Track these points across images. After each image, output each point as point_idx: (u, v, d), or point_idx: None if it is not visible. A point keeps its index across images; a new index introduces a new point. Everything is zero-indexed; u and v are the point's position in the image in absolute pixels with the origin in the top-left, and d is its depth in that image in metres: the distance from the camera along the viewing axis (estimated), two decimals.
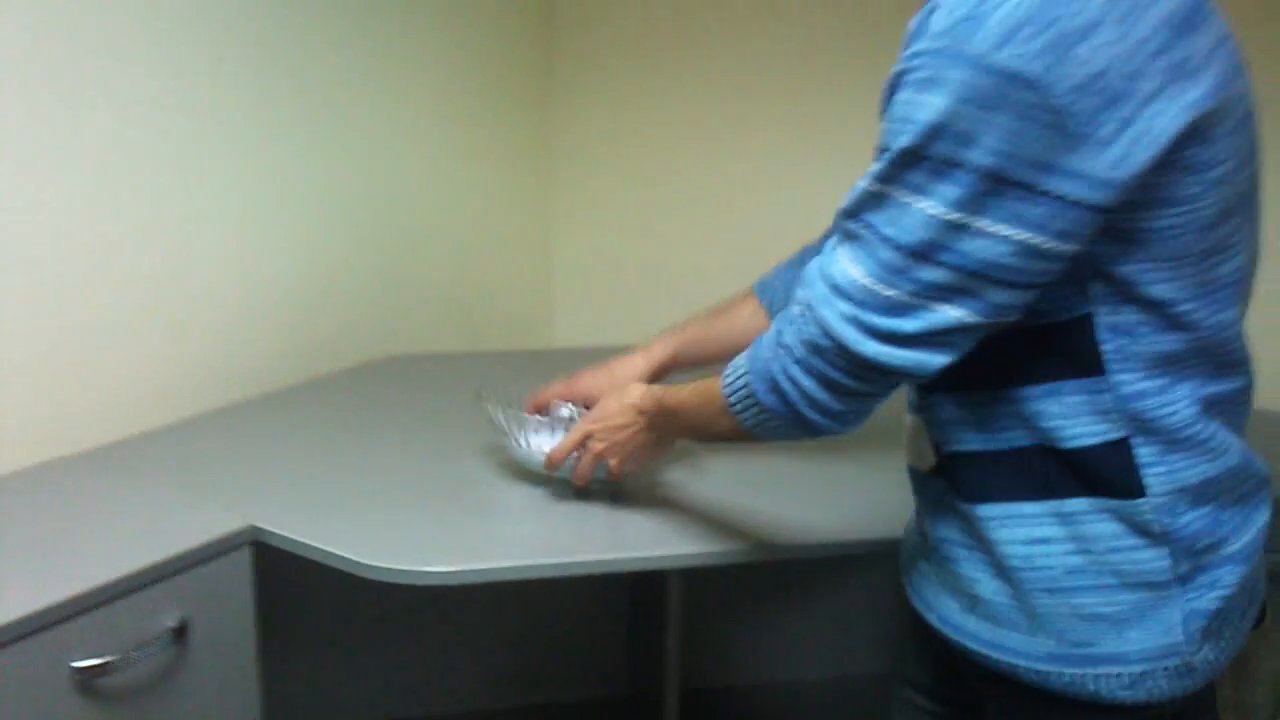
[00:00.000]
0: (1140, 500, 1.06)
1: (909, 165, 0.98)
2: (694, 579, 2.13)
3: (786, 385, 1.10)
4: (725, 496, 1.62)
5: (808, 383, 1.08)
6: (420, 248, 2.39)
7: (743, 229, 2.48)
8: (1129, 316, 1.03)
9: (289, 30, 2.02)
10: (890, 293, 1.01)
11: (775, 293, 1.52)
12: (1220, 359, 1.08)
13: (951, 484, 1.16)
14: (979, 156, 0.95)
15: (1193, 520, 1.07)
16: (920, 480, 1.22)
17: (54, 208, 1.71)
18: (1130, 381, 1.05)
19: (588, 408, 1.61)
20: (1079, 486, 1.07)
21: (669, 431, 1.40)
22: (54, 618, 1.29)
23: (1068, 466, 1.07)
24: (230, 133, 1.95)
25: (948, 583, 1.19)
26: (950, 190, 0.97)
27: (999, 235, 0.97)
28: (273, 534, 1.48)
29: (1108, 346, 1.04)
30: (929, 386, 1.14)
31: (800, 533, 1.51)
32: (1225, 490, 1.09)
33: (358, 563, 1.41)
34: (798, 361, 1.08)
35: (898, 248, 1.00)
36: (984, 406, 1.10)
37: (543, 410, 1.65)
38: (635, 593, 2.23)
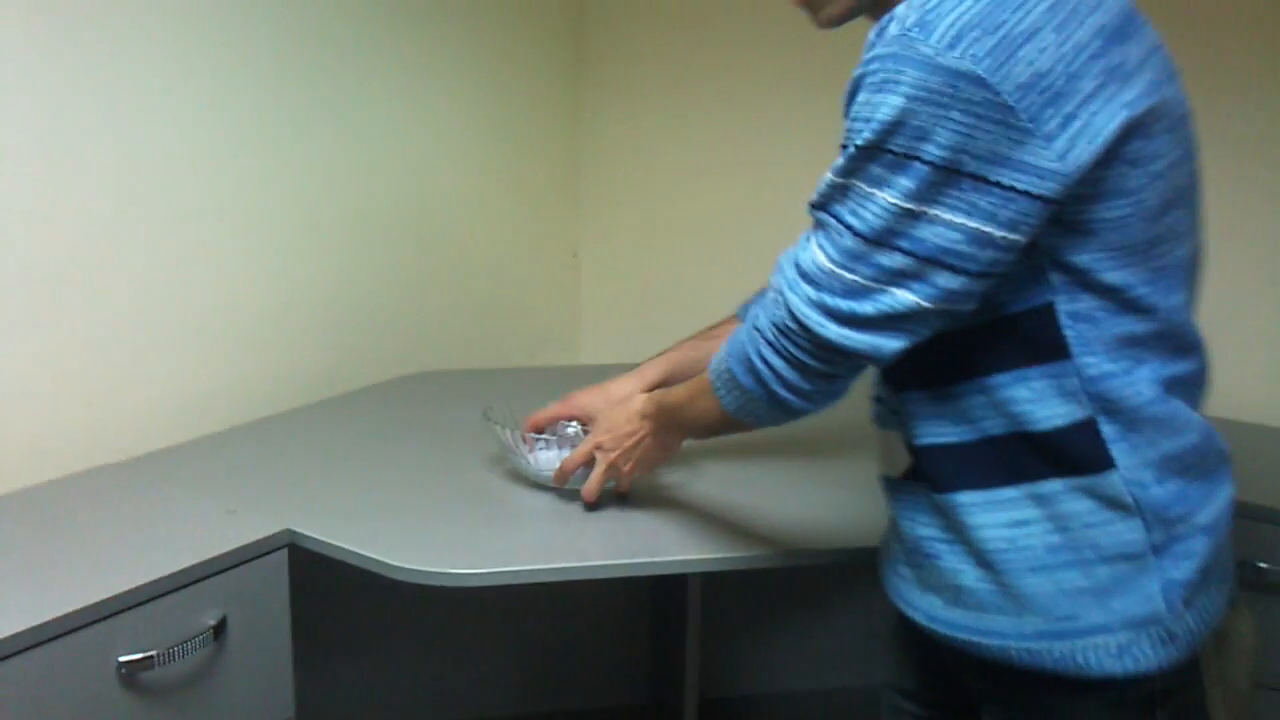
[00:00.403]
0: (1111, 473, 1.12)
1: (869, 159, 1.06)
2: (714, 586, 2.18)
3: (760, 366, 1.18)
4: (747, 501, 1.67)
5: (778, 363, 1.17)
6: (450, 266, 2.45)
7: (768, 248, 2.51)
8: (1088, 303, 1.10)
9: (319, 48, 2.10)
10: (850, 277, 1.09)
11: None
12: (1177, 342, 1.15)
13: (928, 480, 1.20)
14: (933, 150, 1.03)
15: (1162, 492, 1.13)
16: (895, 487, 1.27)
17: (99, 220, 1.78)
18: (1094, 364, 1.11)
19: (584, 425, 1.67)
20: (1052, 468, 1.13)
21: (672, 430, 1.49)
22: (101, 613, 1.35)
23: (1039, 449, 1.13)
24: (265, 151, 2.02)
25: (929, 580, 1.23)
26: (907, 182, 1.04)
27: (952, 223, 1.04)
28: (308, 537, 1.54)
29: (1070, 332, 1.11)
30: (903, 383, 1.20)
31: (821, 537, 1.56)
32: (1189, 465, 1.15)
33: (389, 564, 1.47)
34: (769, 343, 1.17)
35: (858, 234, 1.08)
36: (957, 398, 1.16)
37: (541, 429, 1.70)
38: (656, 599, 2.28)
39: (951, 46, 1.01)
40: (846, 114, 1.09)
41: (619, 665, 2.36)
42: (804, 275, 1.13)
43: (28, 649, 1.29)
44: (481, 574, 1.46)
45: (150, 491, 1.68)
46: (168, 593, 1.42)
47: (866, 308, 1.09)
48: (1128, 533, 1.13)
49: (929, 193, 1.04)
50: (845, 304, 1.10)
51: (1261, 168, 2.02)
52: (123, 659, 1.37)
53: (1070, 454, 1.12)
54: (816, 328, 1.11)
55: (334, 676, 2.12)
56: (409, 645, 2.19)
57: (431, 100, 2.35)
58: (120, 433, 1.82)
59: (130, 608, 1.38)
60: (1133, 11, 1.11)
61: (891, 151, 1.05)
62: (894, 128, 1.04)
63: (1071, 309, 1.11)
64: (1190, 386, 1.18)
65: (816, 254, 1.11)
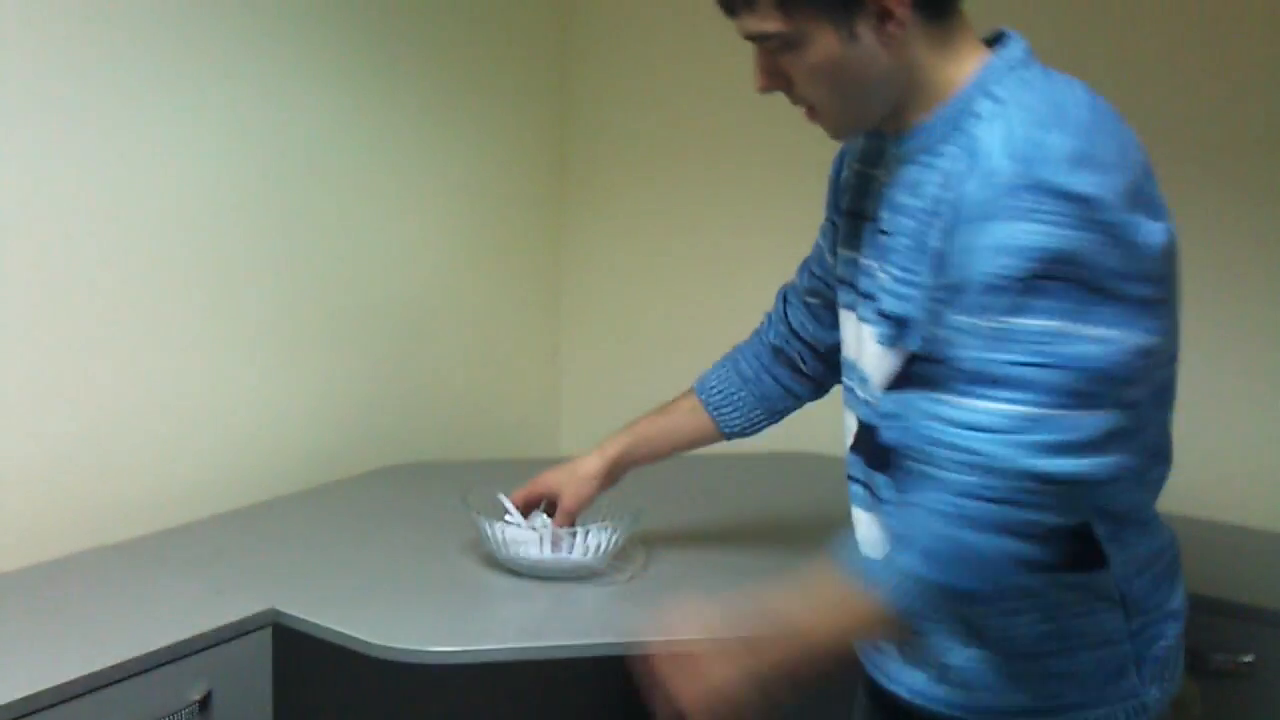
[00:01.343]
0: (1103, 570, 1.23)
1: (1024, 290, 1.08)
2: None
3: (1002, 544, 1.12)
4: (718, 582, 1.75)
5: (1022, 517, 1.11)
6: (433, 362, 2.56)
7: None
8: None
9: (307, 151, 2.22)
10: (1052, 411, 1.08)
11: (711, 389, 1.69)
12: (1156, 450, 1.26)
13: None
14: (1076, 271, 1.07)
15: (1141, 585, 1.26)
16: None
17: (91, 312, 1.89)
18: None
19: (552, 505, 1.76)
20: (1047, 564, 1.20)
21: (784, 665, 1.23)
22: (93, 684, 1.44)
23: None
24: (253, 248, 2.13)
25: (914, 657, 1.32)
26: (1062, 305, 1.08)
27: (1107, 339, 1.09)
28: (291, 616, 1.62)
29: None
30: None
31: None
32: (1160, 560, 1.28)
33: (368, 643, 1.55)
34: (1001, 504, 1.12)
35: (1050, 370, 1.09)
36: None
37: (518, 504, 1.78)
38: (630, 680, 2.34)
39: (1072, 172, 1.08)
40: (949, 243, 1.14)
41: None
42: (1001, 431, 1.10)
43: (21, 718, 1.36)
44: (456, 652, 1.54)
45: (142, 572, 1.76)
46: (157, 666, 1.50)
47: (1077, 435, 1.09)
48: (1110, 621, 1.25)
49: (1083, 313, 1.08)
50: (1058, 438, 1.09)
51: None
52: None
53: (1065, 552, 1.20)
54: (1046, 467, 1.09)
55: None
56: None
57: (416, 201, 2.48)
58: (113, 517, 1.91)
59: (121, 680, 1.46)
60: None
61: (1042, 277, 1.07)
62: (1041, 254, 1.07)
63: None
64: (1158, 491, 1.29)
65: (1002, 406, 1.10)
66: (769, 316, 1.69)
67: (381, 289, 2.41)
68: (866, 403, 1.32)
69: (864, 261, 1.33)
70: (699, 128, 2.68)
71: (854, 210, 1.38)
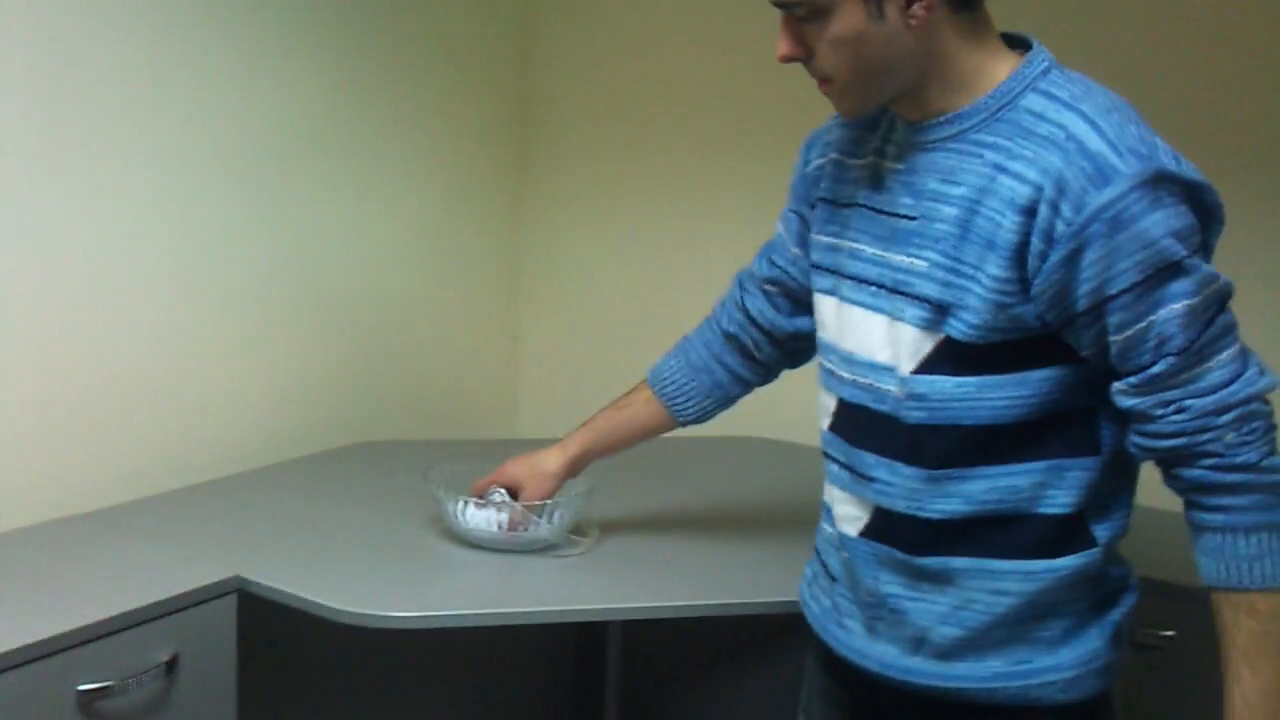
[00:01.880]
0: (1094, 550, 1.32)
1: (1191, 265, 1.19)
2: (637, 637, 2.31)
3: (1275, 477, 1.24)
4: (672, 552, 1.85)
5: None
6: (396, 343, 2.62)
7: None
8: (1113, 409, 1.28)
9: (264, 126, 2.27)
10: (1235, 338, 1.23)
11: (664, 380, 1.74)
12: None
13: (912, 544, 1.34)
14: (1200, 240, 1.22)
15: (1111, 563, 1.36)
16: (853, 544, 1.40)
17: (71, 298, 1.95)
18: (1108, 464, 1.31)
19: (513, 492, 1.82)
20: (1045, 546, 1.31)
21: None
22: (62, 644, 1.49)
23: (1039, 529, 1.31)
24: (225, 240, 2.20)
25: (887, 631, 1.39)
26: (1205, 265, 1.21)
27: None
28: (256, 583, 1.69)
29: (1104, 432, 1.30)
30: (937, 460, 1.31)
31: (745, 589, 1.72)
32: (1120, 542, 1.37)
33: (330, 607, 1.62)
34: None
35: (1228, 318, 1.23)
36: (994, 478, 1.30)
37: (479, 494, 1.85)
38: (580, 649, 2.41)
39: (1179, 162, 1.21)
40: (1113, 239, 1.18)
41: (545, 713, 2.49)
42: (1240, 380, 1.22)
43: None
44: (414, 617, 1.62)
45: (113, 540, 1.82)
46: (125, 629, 1.56)
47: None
48: (1085, 595, 1.35)
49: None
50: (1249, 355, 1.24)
51: None
52: (82, 688, 1.50)
53: (1064, 536, 1.31)
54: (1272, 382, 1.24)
55: (275, 715, 2.24)
56: (345, 690, 2.30)
57: (378, 185, 2.54)
58: (85, 487, 1.97)
59: (90, 640, 1.52)
60: None
61: (1195, 250, 1.20)
62: (1190, 231, 1.19)
63: (1109, 412, 1.29)
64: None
65: (1228, 364, 1.21)
66: (723, 302, 1.72)
67: (346, 272, 2.47)
68: (854, 382, 1.37)
69: (856, 246, 1.36)
70: (658, 115, 2.75)
71: (836, 198, 1.42)
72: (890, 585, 1.37)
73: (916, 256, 1.29)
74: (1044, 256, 1.21)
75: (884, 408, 1.34)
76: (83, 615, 1.53)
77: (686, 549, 1.88)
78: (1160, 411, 1.23)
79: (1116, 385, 1.25)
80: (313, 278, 2.39)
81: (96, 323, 1.99)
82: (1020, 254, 1.22)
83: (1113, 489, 1.33)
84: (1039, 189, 1.20)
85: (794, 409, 2.28)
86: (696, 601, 1.71)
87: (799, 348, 1.67)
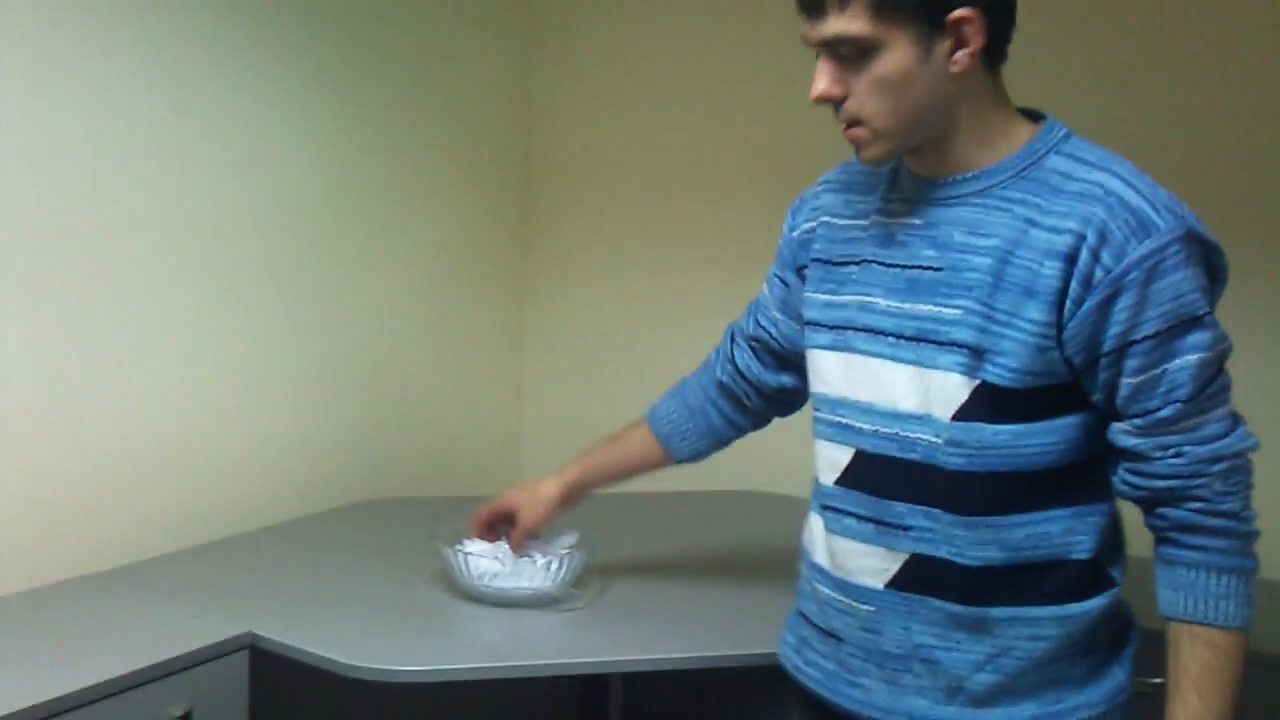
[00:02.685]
0: (1114, 590, 1.38)
1: (1210, 322, 1.28)
2: (638, 688, 2.34)
3: (1249, 527, 1.32)
4: (674, 605, 1.88)
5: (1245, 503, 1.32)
6: (402, 403, 2.67)
7: None
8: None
9: (281, 190, 2.35)
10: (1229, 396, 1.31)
11: (661, 419, 1.80)
12: None
13: (946, 592, 1.36)
14: (1210, 299, 1.29)
15: (1123, 600, 1.41)
16: (877, 597, 1.40)
17: (82, 355, 2.01)
18: (1114, 508, 1.38)
19: (511, 521, 1.88)
20: (1075, 589, 1.36)
21: None
22: (76, 701, 1.54)
23: (1069, 574, 1.36)
24: (232, 297, 2.26)
25: (916, 684, 1.40)
26: (1217, 323, 1.29)
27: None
28: (267, 639, 1.73)
29: (1113, 477, 1.36)
30: (972, 507, 1.34)
31: (746, 642, 1.74)
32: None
33: (340, 663, 1.66)
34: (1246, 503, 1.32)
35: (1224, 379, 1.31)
36: (1017, 526, 1.35)
37: (483, 524, 1.90)
38: (584, 701, 2.44)
39: (1198, 223, 1.28)
40: (1143, 292, 1.25)
41: None
42: (1232, 435, 1.30)
43: None
44: (422, 671, 1.65)
45: (126, 598, 1.86)
46: (139, 685, 1.61)
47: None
48: (1107, 632, 1.40)
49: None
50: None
51: None
52: None
53: (1092, 579, 1.37)
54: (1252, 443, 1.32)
55: None
56: None
57: (388, 250, 2.61)
58: (98, 547, 2.02)
59: (105, 697, 1.57)
60: None
61: (1209, 308, 1.28)
62: (1204, 291, 1.27)
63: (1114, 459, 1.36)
64: None
65: (1224, 419, 1.30)
66: (717, 353, 1.77)
67: (356, 334, 2.54)
68: (876, 433, 1.39)
69: (868, 300, 1.40)
70: (659, 176, 2.82)
71: (832, 258, 1.46)
72: (923, 635, 1.39)
73: (946, 305, 1.33)
74: (1080, 301, 1.27)
75: (914, 456, 1.37)
76: (97, 672, 1.57)
77: (687, 601, 1.92)
78: (1159, 454, 1.30)
79: (1119, 426, 1.32)
80: (323, 339, 2.46)
81: (108, 383, 2.05)
82: (1059, 299, 1.28)
83: (1117, 531, 1.40)
84: (1081, 237, 1.26)
85: (789, 462, 2.33)
86: (698, 654, 1.74)
87: (786, 400, 1.73)
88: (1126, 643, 1.43)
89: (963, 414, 1.33)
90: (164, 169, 2.10)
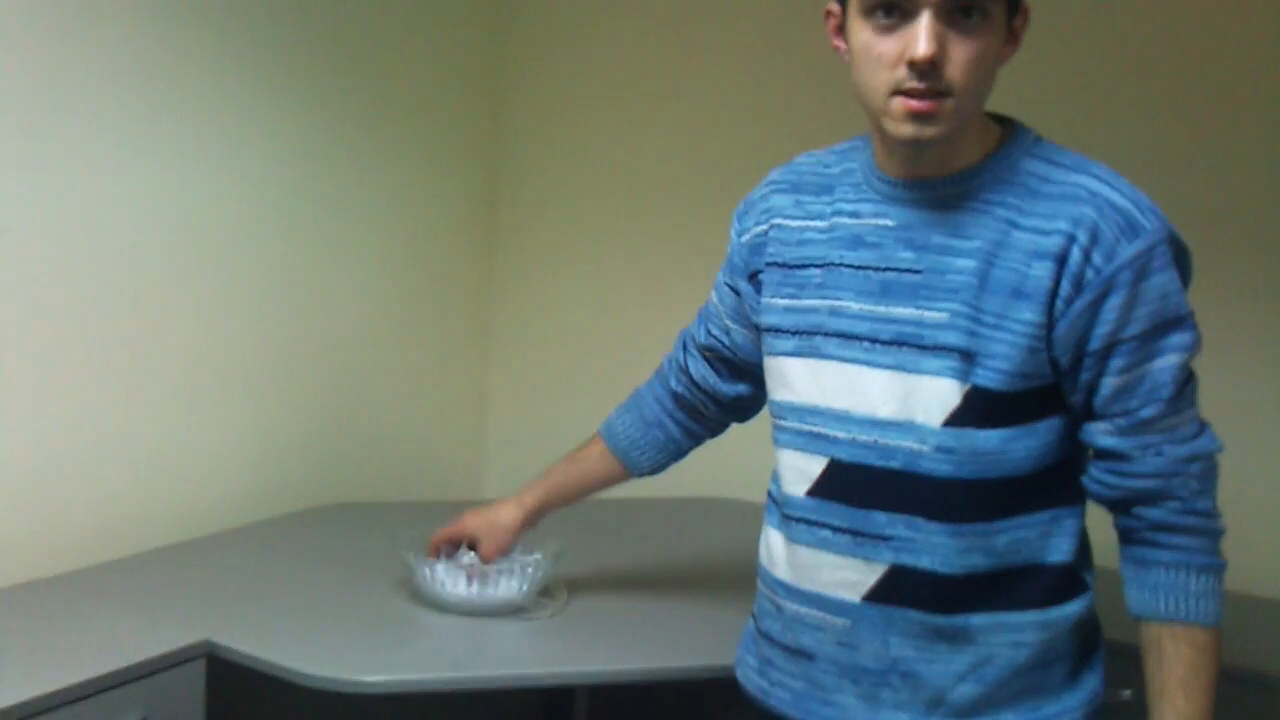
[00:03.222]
0: (1087, 594, 1.38)
1: (1191, 323, 1.29)
2: (603, 702, 2.32)
3: (1219, 523, 1.34)
4: (647, 613, 1.86)
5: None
6: (362, 404, 2.64)
7: None
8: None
9: (233, 184, 2.30)
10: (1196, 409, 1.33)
11: (618, 434, 1.77)
12: None
13: (930, 603, 1.34)
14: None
15: (1092, 607, 1.40)
16: (855, 610, 1.37)
17: (35, 356, 1.96)
18: (1084, 510, 1.38)
19: (472, 547, 1.85)
20: (1052, 594, 1.36)
21: None
22: (29, 710, 1.49)
23: (1046, 579, 1.36)
24: (188, 297, 2.22)
25: (895, 698, 1.38)
26: (1194, 327, 1.31)
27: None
28: (225, 648, 1.69)
29: (1084, 479, 1.37)
30: (952, 514, 1.33)
31: (712, 653, 1.72)
32: None
33: (301, 673, 1.63)
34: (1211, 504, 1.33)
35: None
36: (999, 532, 1.34)
37: (439, 547, 1.87)
38: (547, 711, 2.42)
39: (1170, 222, 1.29)
40: (1133, 297, 1.27)
41: None
42: (1203, 434, 1.32)
43: None
44: (384, 682, 1.62)
45: (80, 604, 1.82)
46: (93, 694, 1.56)
47: None
48: (1080, 637, 1.40)
49: None
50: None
51: None
52: None
53: (1068, 583, 1.37)
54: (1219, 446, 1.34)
55: None
56: None
57: (347, 245, 2.57)
58: (51, 551, 1.97)
59: (57, 706, 1.52)
60: None
61: (1191, 313, 1.30)
62: (1184, 294, 1.29)
63: (1083, 461, 1.37)
64: None
65: (1196, 420, 1.32)
66: (669, 361, 1.74)
67: (314, 333, 2.50)
68: (853, 441, 1.35)
69: (837, 304, 1.37)
70: (626, 180, 2.80)
71: (788, 261, 1.43)
72: (902, 648, 1.36)
73: (929, 308, 1.31)
74: (1070, 301, 1.27)
75: (894, 464, 1.34)
76: (50, 681, 1.53)
77: (654, 611, 1.90)
78: (1139, 454, 1.30)
79: (1098, 426, 1.32)
80: (280, 337, 2.42)
81: (56, 382, 2.00)
82: (1050, 299, 1.28)
83: (1085, 535, 1.40)
84: (1071, 237, 1.26)
85: (753, 468, 2.32)
86: (665, 665, 1.72)
87: (744, 407, 1.71)
88: (1096, 648, 1.43)
89: (954, 420, 1.31)
90: (118, 168, 2.05)
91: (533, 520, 1.84)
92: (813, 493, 1.40)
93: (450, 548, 1.88)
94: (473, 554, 1.86)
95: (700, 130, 2.71)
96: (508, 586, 1.83)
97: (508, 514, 1.83)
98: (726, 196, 2.62)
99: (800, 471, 1.42)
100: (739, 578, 2.04)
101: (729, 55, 2.66)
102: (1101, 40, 2.29)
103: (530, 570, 1.84)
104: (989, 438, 1.31)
